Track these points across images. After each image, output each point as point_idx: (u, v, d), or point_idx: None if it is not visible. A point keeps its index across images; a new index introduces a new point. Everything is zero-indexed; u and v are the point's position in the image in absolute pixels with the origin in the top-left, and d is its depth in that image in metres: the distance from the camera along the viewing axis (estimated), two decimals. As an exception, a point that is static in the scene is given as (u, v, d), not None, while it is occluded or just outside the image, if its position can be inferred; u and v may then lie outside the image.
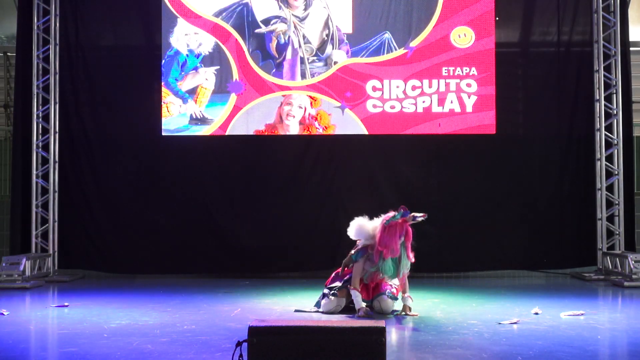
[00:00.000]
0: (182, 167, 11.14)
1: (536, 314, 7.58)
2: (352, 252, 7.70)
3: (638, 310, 8.20)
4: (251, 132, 11.04)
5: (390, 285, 7.74)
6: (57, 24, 11.21)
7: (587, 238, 11.08)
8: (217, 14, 11.12)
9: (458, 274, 11.28)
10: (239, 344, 4.82)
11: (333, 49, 11.06)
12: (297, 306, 8.21)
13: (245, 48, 11.06)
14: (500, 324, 7.05)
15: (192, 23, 11.12)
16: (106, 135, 11.23)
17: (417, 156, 11.17)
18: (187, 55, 11.09)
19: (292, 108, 11.04)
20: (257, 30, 11.10)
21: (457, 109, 10.99)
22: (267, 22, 11.12)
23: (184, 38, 11.11)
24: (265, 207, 11.10)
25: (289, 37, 11.07)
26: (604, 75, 11.04)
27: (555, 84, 11.24)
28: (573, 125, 11.20)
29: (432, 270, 11.22)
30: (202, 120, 11.06)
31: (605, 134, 11.04)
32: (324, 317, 7.61)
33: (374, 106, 10.99)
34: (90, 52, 11.30)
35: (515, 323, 7.05)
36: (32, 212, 11.03)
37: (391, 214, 7.48)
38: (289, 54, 11.06)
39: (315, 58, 11.06)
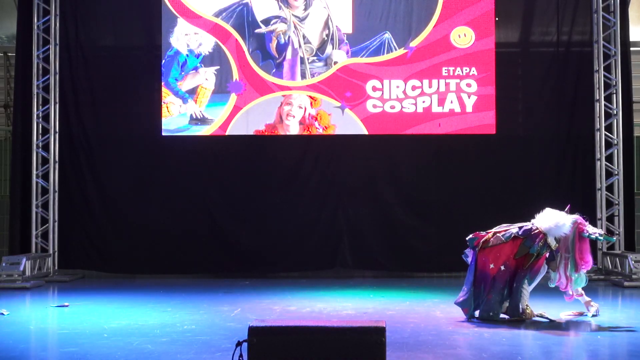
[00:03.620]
0: (182, 167, 11.13)
1: (539, 315, 7.55)
2: (524, 237, 7.28)
3: (638, 310, 8.20)
4: (251, 132, 11.04)
5: None
6: (57, 24, 11.20)
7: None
8: (217, 14, 11.12)
9: (458, 274, 11.24)
10: (239, 344, 4.82)
11: (333, 49, 11.06)
12: (297, 306, 8.22)
13: (245, 48, 11.06)
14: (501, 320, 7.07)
15: (192, 23, 11.11)
16: (106, 135, 11.23)
17: (417, 156, 11.16)
18: (187, 55, 11.09)
19: (292, 108, 11.04)
20: (257, 30, 11.10)
21: (457, 109, 10.98)
22: (267, 22, 11.12)
23: (184, 38, 11.11)
24: (265, 207, 11.09)
25: (289, 37, 11.06)
26: (604, 75, 11.04)
27: (555, 84, 11.23)
28: (573, 125, 11.20)
29: (432, 270, 11.24)
30: (202, 120, 11.05)
31: (605, 134, 11.04)
32: (324, 317, 7.61)
33: (374, 106, 10.99)
34: (90, 52, 11.30)
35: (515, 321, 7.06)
36: (32, 212, 11.02)
37: (591, 229, 7.38)
38: (289, 54, 11.06)
39: (315, 58, 11.06)
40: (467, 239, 7.58)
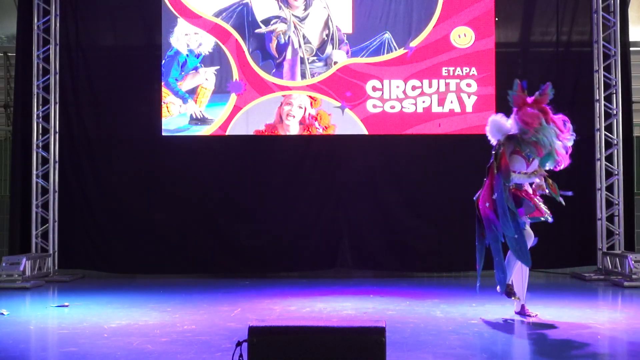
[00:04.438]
0: (182, 167, 11.14)
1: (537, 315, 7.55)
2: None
3: (638, 310, 8.20)
4: (251, 132, 11.04)
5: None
6: (57, 24, 11.20)
7: (587, 238, 11.08)
8: (217, 14, 11.12)
9: (458, 274, 11.28)
10: (239, 344, 4.82)
11: (333, 49, 11.06)
12: (297, 306, 8.22)
13: (245, 48, 11.06)
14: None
15: (192, 23, 11.11)
16: (106, 135, 11.23)
17: (417, 156, 11.16)
18: (187, 55, 11.09)
19: (292, 108, 11.04)
20: (257, 30, 11.10)
21: (457, 109, 10.99)
22: (267, 22, 11.12)
23: (184, 38, 11.11)
24: (265, 207, 11.10)
25: (289, 37, 11.07)
26: (604, 75, 11.04)
27: (555, 84, 11.15)
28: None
29: (432, 270, 11.24)
30: (202, 120, 11.06)
31: (605, 134, 11.04)
32: (324, 317, 7.61)
33: (374, 106, 10.99)
34: (90, 52, 11.31)
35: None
36: (32, 212, 11.02)
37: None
38: (289, 54, 11.06)
39: (315, 58, 11.06)
40: (474, 198, 7.61)
